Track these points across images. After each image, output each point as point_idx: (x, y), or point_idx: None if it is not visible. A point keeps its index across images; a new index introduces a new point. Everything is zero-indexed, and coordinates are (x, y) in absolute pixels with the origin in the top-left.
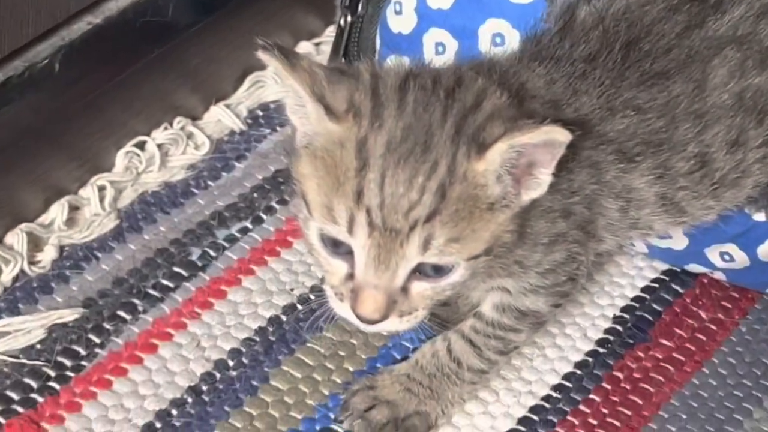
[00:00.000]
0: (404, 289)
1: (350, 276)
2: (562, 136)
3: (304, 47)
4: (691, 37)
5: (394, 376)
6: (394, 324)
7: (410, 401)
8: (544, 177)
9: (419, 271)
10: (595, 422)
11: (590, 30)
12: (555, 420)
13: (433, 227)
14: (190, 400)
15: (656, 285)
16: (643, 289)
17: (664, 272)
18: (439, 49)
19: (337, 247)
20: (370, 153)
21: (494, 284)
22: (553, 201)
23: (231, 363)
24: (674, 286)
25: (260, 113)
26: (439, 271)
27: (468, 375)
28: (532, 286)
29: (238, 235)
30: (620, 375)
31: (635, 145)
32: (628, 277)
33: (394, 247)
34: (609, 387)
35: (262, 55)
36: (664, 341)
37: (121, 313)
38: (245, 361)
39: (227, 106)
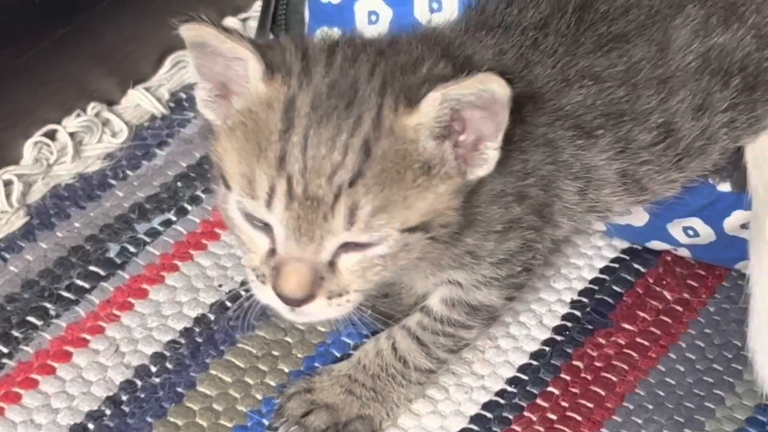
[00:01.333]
0: (332, 265)
1: (272, 252)
2: (499, 86)
3: (230, 23)
4: None
5: (333, 377)
6: (322, 308)
7: (352, 404)
8: (490, 152)
9: (346, 245)
10: (554, 417)
11: None
12: (510, 417)
13: (357, 194)
14: (108, 411)
15: (616, 265)
16: (602, 270)
17: (624, 251)
18: (372, 18)
19: (257, 222)
20: (296, 113)
21: (445, 277)
22: (506, 184)
23: (153, 369)
24: (636, 265)
25: (183, 96)
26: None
27: (415, 375)
28: (485, 278)
29: (160, 228)
30: (580, 364)
31: (594, 118)
32: (586, 258)
33: (317, 220)
34: (568, 378)
35: (187, 30)
36: (626, 325)
37: (31, 319)
38: (169, 366)
39: (147, 89)
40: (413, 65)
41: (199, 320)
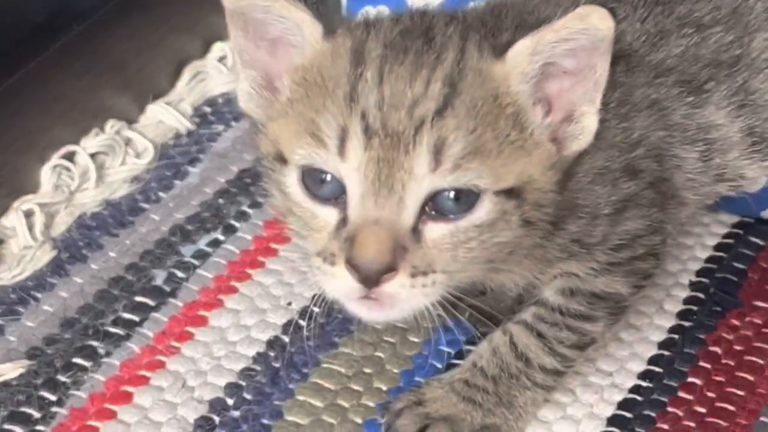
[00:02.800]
0: (416, 233)
1: (343, 222)
2: (601, 19)
3: None
4: None
5: (446, 385)
6: (405, 288)
7: (473, 414)
8: (588, 119)
9: (435, 210)
10: (703, 410)
11: None
12: (653, 414)
13: (444, 125)
14: None
15: (730, 241)
16: (716, 248)
17: (735, 225)
18: None
19: (324, 190)
20: (367, 54)
21: (555, 271)
22: (610, 158)
23: (230, 401)
24: (752, 238)
25: (208, 109)
26: (460, 205)
27: (540, 376)
28: (601, 265)
29: (208, 249)
30: (718, 350)
31: (701, 69)
32: (694, 236)
33: (398, 159)
34: (708, 366)
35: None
36: (759, 303)
37: (78, 361)
38: (248, 396)
39: (167, 104)
40: (490, 32)
41: (273, 343)
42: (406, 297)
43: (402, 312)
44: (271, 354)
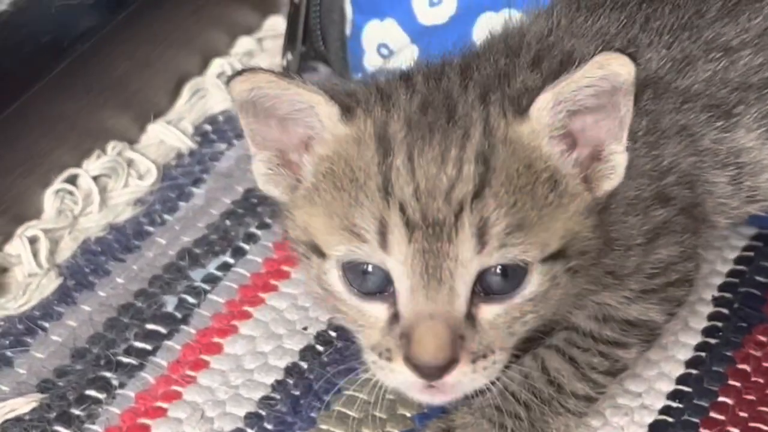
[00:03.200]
0: (470, 319)
1: (394, 318)
2: (622, 66)
3: (244, 44)
4: None
5: (476, 411)
6: (467, 375)
7: None
8: (617, 157)
9: (484, 291)
10: (737, 430)
11: None
12: None
13: (484, 206)
14: None
15: (750, 254)
16: (736, 261)
17: (753, 237)
18: (434, 0)
19: (368, 284)
20: (392, 138)
21: (587, 303)
22: (640, 187)
23: None
24: None
25: (209, 128)
26: (509, 281)
27: (572, 402)
28: (635, 293)
29: (218, 273)
30: (747, 367)
31: (730, 93)
32: (714, 250)
33: (443, 249)
34: (738, 384)
35: (241, 83)
36: None
37: (92, 393)
38: (269, 426)
39: (168, 123)
40: (505, 77)
41: (291, 370)
42: (469, 382)
43: (465, 392)
44: (290, 381)
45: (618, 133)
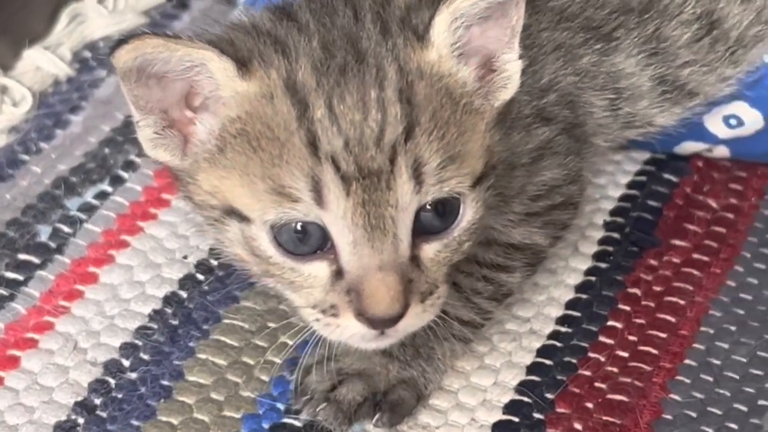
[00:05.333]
0: (414, 260)
1: (338, 274)
2: None
3: None
4: None
5: None
6: (417, 316)
7: (390, 367)
8: (511, 66)
9: (423, 231)
10: (626, 354)
11: None
12: (574, 361)
13: (417, 145)
14: (81, 420)
15: (643, 178)
16: (629, 185)
17: (647, 162)
18: None
19: (305, 244)
20: (305, 88)
21: None
22: (522, 104)
23: (126, 363)
24: (666, 175)
25: (88, 54)
26: (446, 216)
27: (457, 329)
28: (518, 215)
29: (95, 202)
30: (637, 291)
31: (609, 15)
32: (606, 175)
33: (382, 197)
34: (628, 308)
35: (127, 52)
36: (676, 242)
37: None
38: (145, 356)
39: (45, 49)
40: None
41: (170, 299)
42: (419, 321)
43: (413, 330)
44: (168, 311)
45: (510, 41)
